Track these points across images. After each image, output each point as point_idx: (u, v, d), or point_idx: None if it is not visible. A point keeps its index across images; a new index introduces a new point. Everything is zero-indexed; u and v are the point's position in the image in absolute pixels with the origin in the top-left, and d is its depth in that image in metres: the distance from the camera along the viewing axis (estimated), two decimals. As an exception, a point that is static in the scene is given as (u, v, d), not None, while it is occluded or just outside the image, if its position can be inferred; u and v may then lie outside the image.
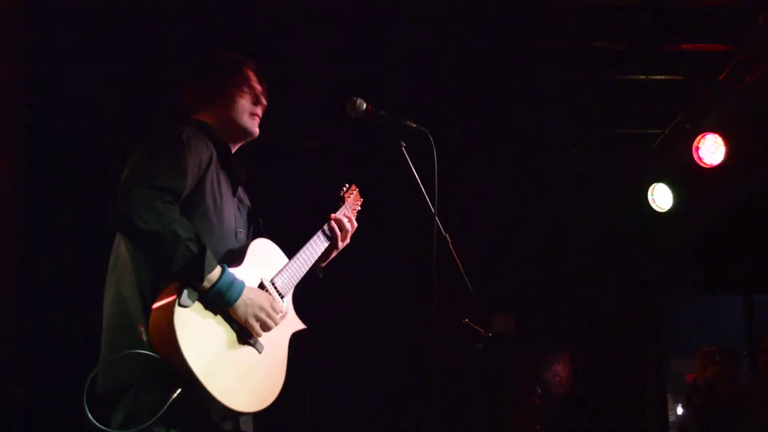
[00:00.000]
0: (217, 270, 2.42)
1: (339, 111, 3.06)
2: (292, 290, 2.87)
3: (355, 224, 3.25)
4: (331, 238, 3.12)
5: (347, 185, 3.44)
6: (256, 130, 2.97)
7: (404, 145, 3.02)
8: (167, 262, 2.34)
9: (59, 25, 5.11)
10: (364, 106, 2.99)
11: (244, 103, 2.92)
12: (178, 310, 2.33)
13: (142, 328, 2.38)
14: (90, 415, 2.23)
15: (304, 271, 2.95)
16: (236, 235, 2.77)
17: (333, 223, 3.12)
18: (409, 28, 5.31)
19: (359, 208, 3.44)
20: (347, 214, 3.25)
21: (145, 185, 2.37)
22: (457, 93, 6.20)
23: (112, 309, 2.52)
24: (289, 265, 2.88)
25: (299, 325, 2.87)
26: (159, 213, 2.33)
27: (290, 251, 2.95)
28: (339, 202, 3.33)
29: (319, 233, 3.08)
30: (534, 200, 7.61)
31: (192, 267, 2.35)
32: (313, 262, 3.01)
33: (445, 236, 3.08)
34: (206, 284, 2.39)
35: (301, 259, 2.95)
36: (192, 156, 2.56)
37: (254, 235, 2.92)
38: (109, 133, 5.86)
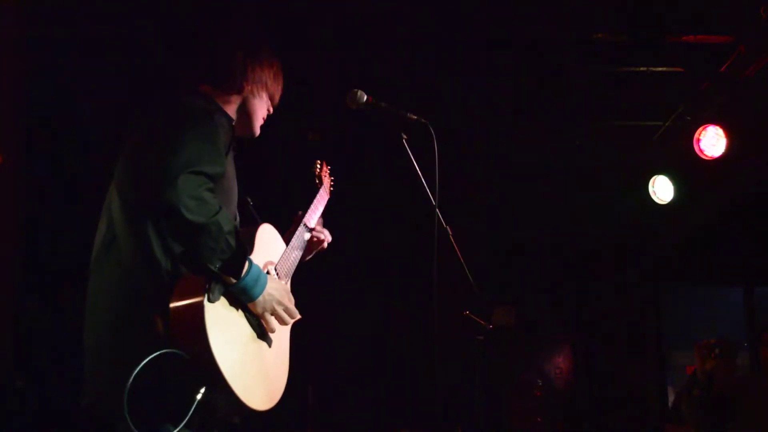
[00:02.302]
0: (246, 265, 2.32)
1: (340, 103, 3.05)
2: (290, 278, 2.83)
3: (328, 238, 3.16)
4: (311, 244, 3.06)
5: (319, 162, 3.40)
6: (258, 133, 2.85)
7: (405, 137, 3.01)
8: (208, 255, 2.21)
9: (60, 19, 5.10)
10: (365, 97, 2.98)
11: (264, 108, 2.82)
12: (208, 306, 2.21)
13: (158, 318, 2.22)
14: (131, 421, 2.08)
15: (298, 259, 2.91)
16: (236, 216, 2.68)
17: (315, 237, 3.06)
18: (410, 19, 5.30)
19: (332, 185, 3.44)
20: (324, 196, 3.25)
21: (188, 170, 2.18)
22: (458, 84, 6.19)
23: (115, 292, 2.32)
24: (287, 251, 2.84)
25: (297, 316, 2.78)
26: (206, 203, 2.20)
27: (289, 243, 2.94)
28: (316, 181, 3.31)
29: (304, 225, 3.03)
30: (535, 192, 7.60)
31: (231, 263, 2.25)
32: (302, 251, 2.98)
33: (446, 228, 3.08)
34: (234, 278, 2.30)
35: (295, 246, 2.91)
36: (222, 139, 2.43)
37: (243, 214, 2.82)
38: (110, 129, 5.86)
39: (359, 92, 2.98)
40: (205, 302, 2.21)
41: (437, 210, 2.99)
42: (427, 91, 6.07)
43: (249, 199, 2.93)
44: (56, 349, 5.78)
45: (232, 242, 2.24)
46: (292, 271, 2.86)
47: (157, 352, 2.14)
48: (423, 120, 2.96)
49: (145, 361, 2.12)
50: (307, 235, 3.02)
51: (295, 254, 2.90)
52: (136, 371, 2.10)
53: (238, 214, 2.72)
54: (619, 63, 5.91)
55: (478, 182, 7.44)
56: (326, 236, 3.12)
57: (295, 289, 2.82)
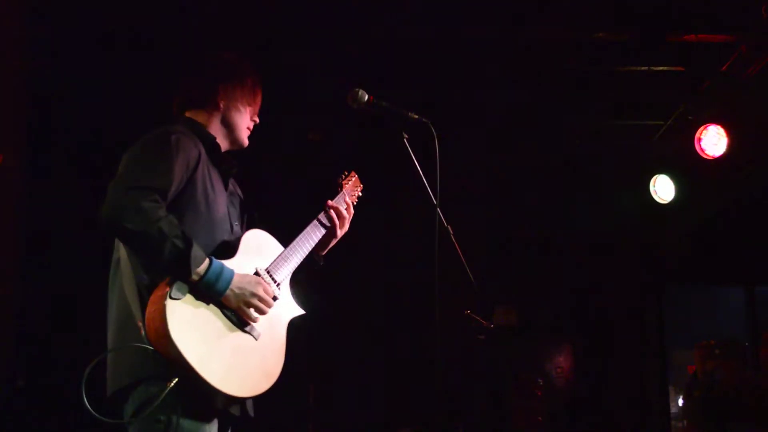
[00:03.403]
0: (205, 263, 2.49)
1: (341, 102, 3.06)
2: (288, 277, 2.89)
3: (352, 211, 3.24)
4: (329, 226, 3.11)
5: (346, 172, 3.44)
6: (247, 143, 3.02)
7: (406, 136, 3.01)
8: (155, 259, 2.43)
9: (61, 18, 5.10)
10: (366, 97, 2.99)
11: (246, 118, 2.99)
12: (169, 302, 2.40)
13: (140, 324, 2.46)
14: (87, 403, 2.35)
15: (301, 258, 2.96)
16: (231, 228, 2.83)
17: (331, 211, 3.12)
18: (411, 18, 5.30)
19: (359, 194, 3.44)
20: (346, 200, 3.24)
21: (130, 187, 2.44)
22: (459, 83, 6.19)
23: (118, 307, 2.59)
24: (285, 253, 2.90)
25: (297, 311, 2.89)
26: (145, 212, 2.39)
27: (290, 243, 2.95)
28: (337, 189, 3.34)
29: (316, 221, 3.08)
30: (536, 191, 7.60)
31: (179, 262, 2.43)
32: (310, 248, 3.02)
33: (447, 228, 3.08)
34: (195, 277, 2.46)
35: (297, 246, 2.96)
36: (180, 155, 2.61)
37: (249, 226, 2.93)
38: (111, 127, 5.86)
39: (360, 91, 2.99)
40: (167, 300, 2.40)
41: (438, 209, 2.99)
42: (429, 90, 6.07)
43: (255, 213, 3.02)
44: (59, 347, 5.79)
45: (179, 244, 2.42)
46: (290, 271, 2.91)
47: (122, 346, 2.49)
48: (424, 119, 2.97)
49: (102, 355, 2.49)
50: (320, 232, 3.09)
51: (297, 255, 2.95)
52: (92, 364, 2.42)
53: (236, 225, 2.86)
54: (620, 62, 5.91)
55: (480, 181, 7.44)
56: (344, 212, 3.16)
57: (296, 287, 2.88)
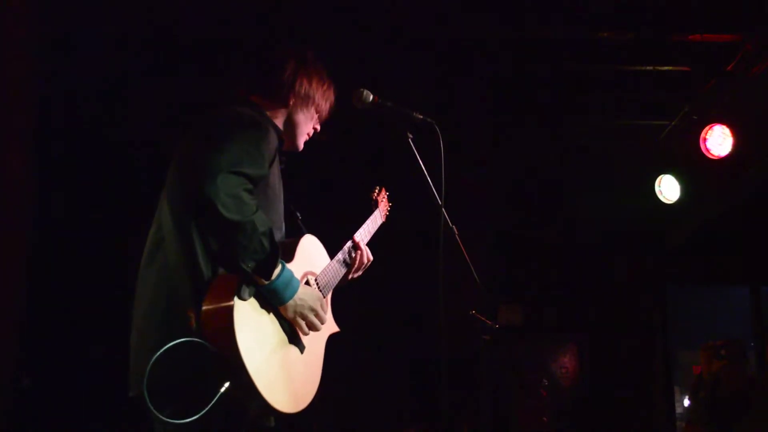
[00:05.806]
0: (278, 268, 2.38)
1: (346, 102, 3.06)
2: (331, 292, 2.87)
3: (370, 257, 3.21)
4: (351, 262, 3.10)
5: (377, 188, 3.44)
6: (301, 148, 2.91)
7: (411, 136, 3.01)
8: (241, 253, 2.27)
9: (70, 16, 5.12)
10: (371, 97, 2.98)
11: (310, 124, 2.89)
12: (237, 302, 2.26)
13: (192, 314, 2.28)
14: (149, 402, 2.13)
15: (341, 275, 2.97)
16: (282, 226, 2.73)
17: (358, 252, 3.10)
18: (415, 19, 5.30)
19: (387, 212, 3.46)
20: (378, 219, 3.31)
21: (229, 169, 2.26)
22: (463, 84, 6.18)
23: (157, 290, 2.38)
24: (331, 265, 2.87)
25: (335, 328, 2.86)
26: (243, 203, 2.26)
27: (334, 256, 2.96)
28: (372, 205, 3.33)
29: (345, 255, 3.06)
30: (541, 191, 7.59)
31: (263, 263, 2.31)
32: (345, 269, 3.03)
33: (452, 228, 3.08)
34: (265, 281, 2.35)
35: (339, 261, 2.96)
36: (267, 146, 2.49)
37: (294, 230, 2.86)
38: (116, 127, 5.87)
39: (365, 92, 2.98)
40: (236, 300, 2.26)
41: (443, 209, 2.99)
42: (432, 90, 6.07)
43: (298, 214, 2.98)
44: (64, 346, 5.80)
45: (266, 243, 2.29)
46: (334, 284, 2.89)
47: (181, 340, 2.19)
48: (429, 119, 2.96)
49: (167, 346, 2.17)
50: (354, 253, 3.08)
51: (338, 269, 2.94)
52: (156, 355, 2.14)
53: (284, 224, 2.76)
54: (625, 62, 5.90)
55: (484, 182, 7.43)
56: (368, 256, 3.19)
57: (335, 303, 2.86)
